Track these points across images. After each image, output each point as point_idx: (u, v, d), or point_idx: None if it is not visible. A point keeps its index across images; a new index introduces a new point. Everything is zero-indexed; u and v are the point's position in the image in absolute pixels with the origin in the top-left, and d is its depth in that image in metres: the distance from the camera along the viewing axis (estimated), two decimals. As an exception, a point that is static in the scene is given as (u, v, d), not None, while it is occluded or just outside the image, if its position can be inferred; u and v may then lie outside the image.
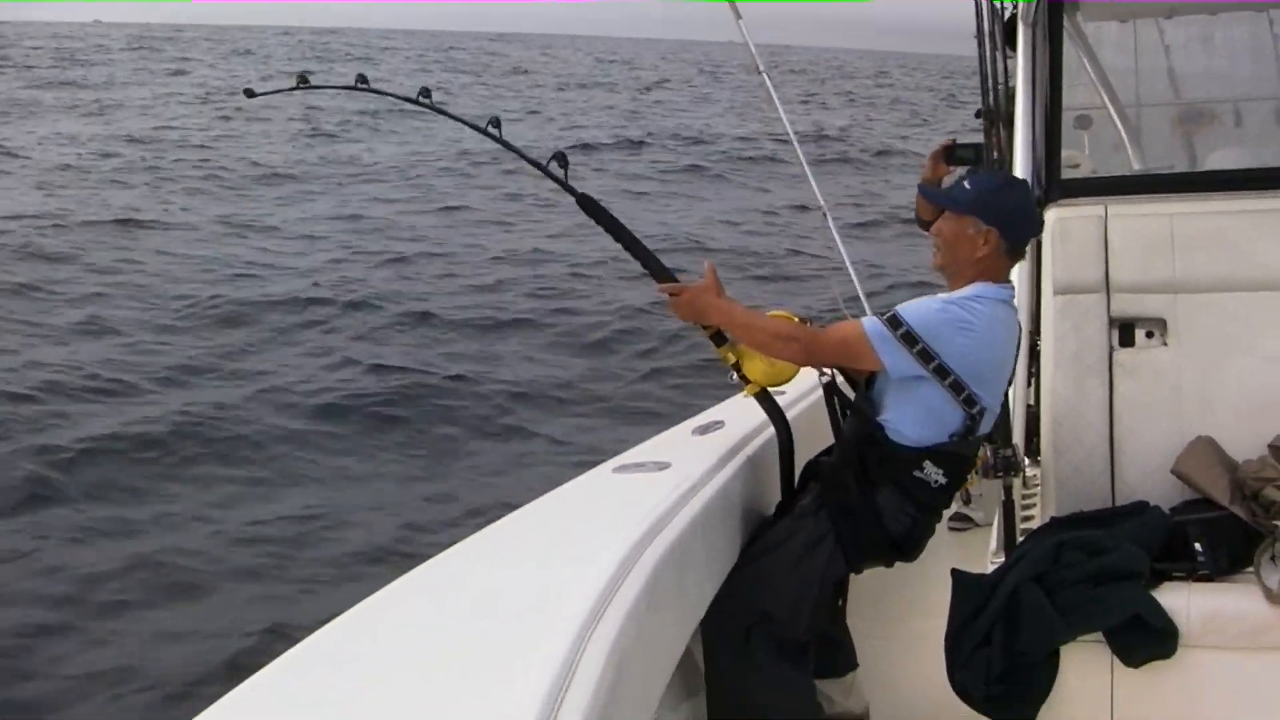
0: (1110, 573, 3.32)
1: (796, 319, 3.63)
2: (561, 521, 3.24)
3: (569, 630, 2.26)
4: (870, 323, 3.41)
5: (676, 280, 3.68)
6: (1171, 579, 3.35)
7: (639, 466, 3.57)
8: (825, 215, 6.59)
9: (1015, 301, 3.58)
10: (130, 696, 6.05)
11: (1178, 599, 3.26)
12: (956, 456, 3.47)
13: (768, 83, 6.37)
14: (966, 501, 4.85)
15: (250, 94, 4.35)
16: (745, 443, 3.81)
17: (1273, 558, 3.31)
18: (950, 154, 5.42)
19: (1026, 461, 4.11)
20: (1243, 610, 3.22)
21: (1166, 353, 3.76)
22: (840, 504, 3.52)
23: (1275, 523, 3.40)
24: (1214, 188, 4.04)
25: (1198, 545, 3.40)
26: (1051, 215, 3.90)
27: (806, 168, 6.21)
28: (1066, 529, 3.56)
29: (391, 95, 4.17)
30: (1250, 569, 3.33)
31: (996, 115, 4.12)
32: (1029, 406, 4.02)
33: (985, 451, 3.68)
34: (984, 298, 3.43)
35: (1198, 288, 3.75)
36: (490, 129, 3.78)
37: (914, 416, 3.44)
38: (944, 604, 3.50)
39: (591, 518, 3.25)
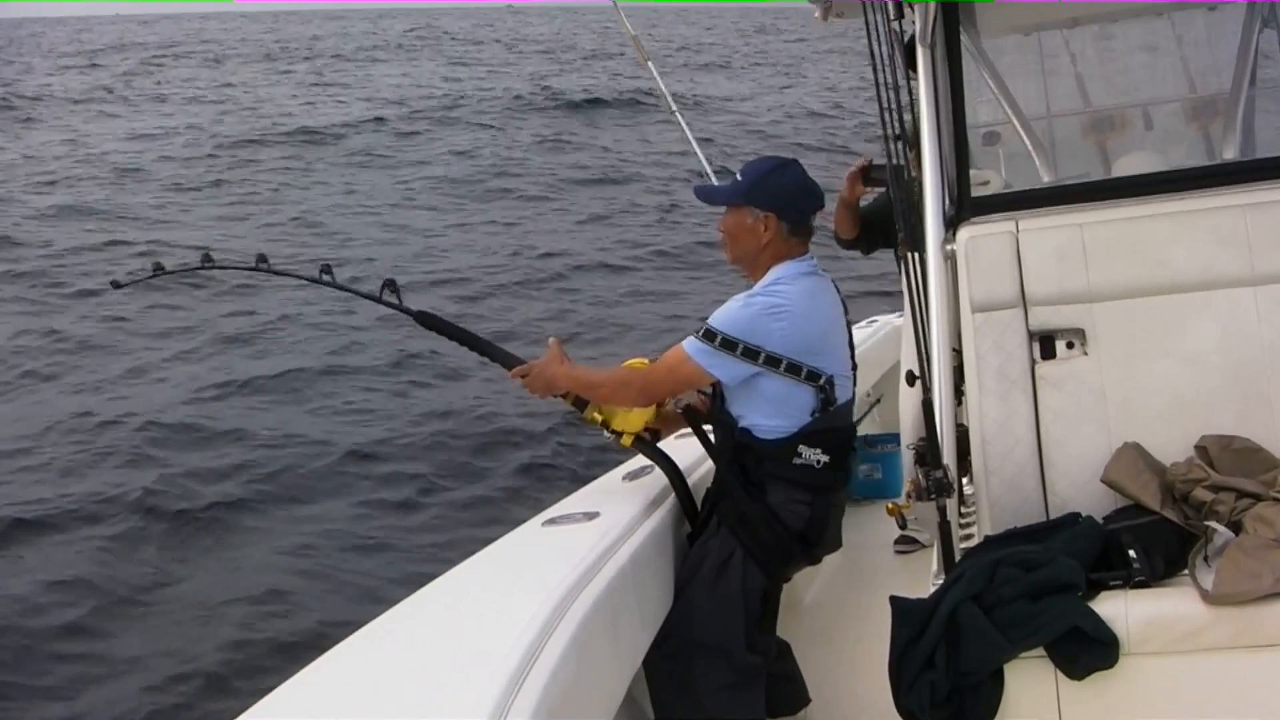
0: (1046, 587, 3.32)
1: (646, 362, 3.70)
2: (489, 580, 3.21)
3: (494, 690, 2.23)
4: (689, 344, 3.50)
5: (524, 362, 3.77)
6: (1108, 588, 3.35)
7: (568, 518, 3.54)
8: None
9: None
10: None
11: (1115, 607, 3.25)
12: (827, 431, 3.53)
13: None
14: (902, 525, 4.83)
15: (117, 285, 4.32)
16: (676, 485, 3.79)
17: (1205, 558, 3.32)
18: (867, 175, 5.46)
19: (966, 481, 4.11)
20: (1180, 613, 3.22)
21: (1088, 362, 3.77)
22: (735, 515, 3.53)
23: (1206, 523, 3.41)
24: (1123, 194, 4.05)
25: (1132, 552, 3.39)
26: (963, 235, 3.91)
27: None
28: (1000, 546, 3.55)
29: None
30: (1185, 572, 3.33)
31: (905, 138, 4.12)
32: (959, 425, 4.00)
33: (918, 475, 3.67)
34: (784, 278, 3.54)
35: (1112, 295, 3.76)
36: (323, 276, 3.93)
37: (768, 410, 3.52)
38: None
39: (519, 573, 3.22)
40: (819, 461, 3.49)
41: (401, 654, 2.67)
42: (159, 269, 4.03)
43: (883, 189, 5.57)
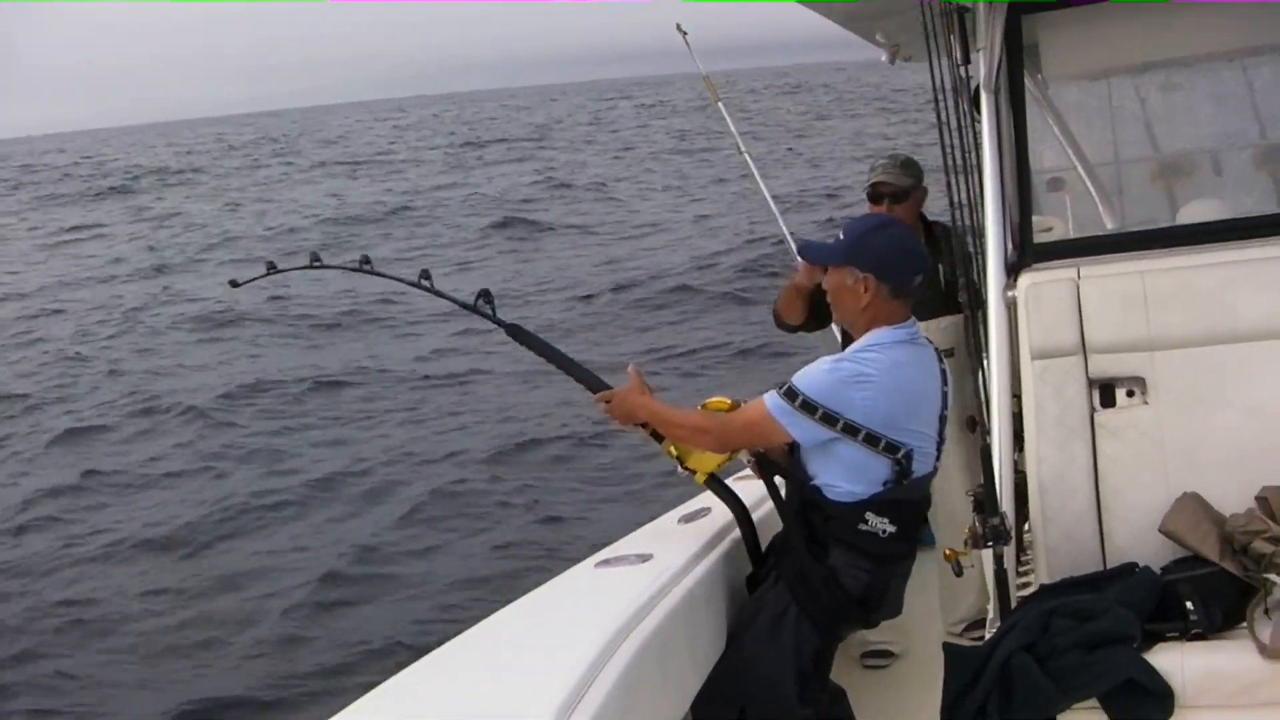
0: (1101, 638, 3.29)
1: (728, 404, 3.68)
2: (536, 622, 3.23)
3: None
4: (770, 399, 3.44)
5: (609, 388, 3.77)
6: (1165, 640, 3.32)
7: (620, 559, 3.56)
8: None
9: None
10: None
11: (1172, 660, 3.22)
12: (897, 504, 3.47)
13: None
14: (958, 573, 4.77)
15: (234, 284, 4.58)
16: (731, 528, 3.80)
17: (1265, 611, 3.28)
18: None
19: (1027, 527, 4.08)
20: (1237, 667, 3.18)
21: (1148, 411, 3.74)
22: (794, 571, 3.51)
23: (1266, 575, 3.37)
24: (1186, 241, 4.03)
25: (1189, 603, 3.36)
26: (1024, 281, 3.90)
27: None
28: (1056, 595, 3.53)
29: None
30: (1244, 624, 3.30)
31: (968, 179, 4.11)
32: (1018, 472, 3.98)
33: (974, 522, 3.65)
34: (878, 344, 3.45)
35: (1173, 344, 3.73)
36: (423, 281, 4.02)
37: (842, 474, 3.46)
38: None
39: (569, 615, 3.24)
40: (884, 531, 3.45)
41: (442, 699, 2.69)
42: (271, 267, 4.25)
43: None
